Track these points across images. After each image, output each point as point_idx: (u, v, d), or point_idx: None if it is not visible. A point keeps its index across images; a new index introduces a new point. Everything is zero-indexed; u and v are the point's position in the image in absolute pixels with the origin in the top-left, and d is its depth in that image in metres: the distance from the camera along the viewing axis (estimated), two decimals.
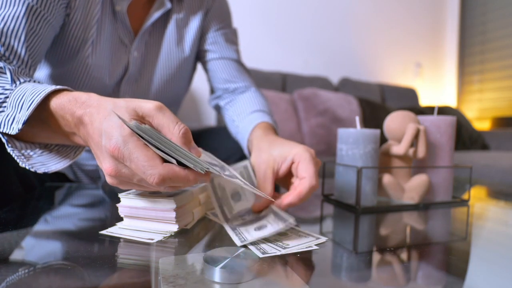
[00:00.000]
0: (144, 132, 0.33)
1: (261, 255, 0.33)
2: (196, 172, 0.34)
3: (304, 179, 0.46)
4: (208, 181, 0.37)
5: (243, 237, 0.37)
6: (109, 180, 0.36)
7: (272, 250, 0.34)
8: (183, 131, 0.36)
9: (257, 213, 0.44)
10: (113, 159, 0.34)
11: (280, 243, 0.37)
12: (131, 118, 0.35)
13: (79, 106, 0.39)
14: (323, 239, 0.39)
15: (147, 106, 0.36)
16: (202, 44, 0.82)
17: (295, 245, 0.36)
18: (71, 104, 0.40)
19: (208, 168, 0.34)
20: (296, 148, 0.49)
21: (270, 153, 0.51)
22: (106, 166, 0.35)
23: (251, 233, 0.38)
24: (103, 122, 0.35)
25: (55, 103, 0.41)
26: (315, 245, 0.37)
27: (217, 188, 0.47)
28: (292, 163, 0.49)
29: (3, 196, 0.58)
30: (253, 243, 0.36)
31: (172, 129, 0.35)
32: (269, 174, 0.49)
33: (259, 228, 0.38)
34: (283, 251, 0.34)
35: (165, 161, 0.34)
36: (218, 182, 0.48)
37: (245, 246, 0.35)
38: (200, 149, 0.39)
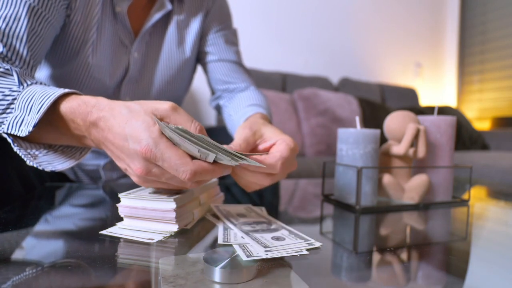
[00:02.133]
0: (185, 132, 0.35)
1: (245, 258, 0.31)
2: (221, 165, 0.37)
3: (276, 153, 0.44)
4: (230, 172, 0.40)
5: (227, 238, 0.37)
6: (136, 179, 0.38)
7: (258, 254, 0.32)
8: (199, 128, 0.39)
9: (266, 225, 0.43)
10: (144, 160, 0.36)
11: (269, 245, 0.34)
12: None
13: (90, 111, 0.40)
14: (316, 244, 0.36)
15: (163, 107, 0.38)
16: (202, 45, 0.82)
17: (284, 249, 0.34)
18: (81, 108, 0.41)
19: (242, 158, 0.36)
20: (285, 136, 0.48)
21: (259, 128, 0.49)
22: (137, 167, 0.36)
23: (237, 238, 0.37)
24: (125, 127, 0.36)
25: (65, 106, 0.42)
26: (306, 250, 0.35)
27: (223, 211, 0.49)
28: (274, 144, 0.47)
29: (3, 196, 0.58)
30: (240, 244, 0.34)
31: (189, 127, 0.38)
32: (251, 140, 0.47)
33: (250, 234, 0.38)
34: (270, 255, 0.32)
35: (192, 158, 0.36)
36: (223, 208, 0.50)
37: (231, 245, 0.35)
38: None
